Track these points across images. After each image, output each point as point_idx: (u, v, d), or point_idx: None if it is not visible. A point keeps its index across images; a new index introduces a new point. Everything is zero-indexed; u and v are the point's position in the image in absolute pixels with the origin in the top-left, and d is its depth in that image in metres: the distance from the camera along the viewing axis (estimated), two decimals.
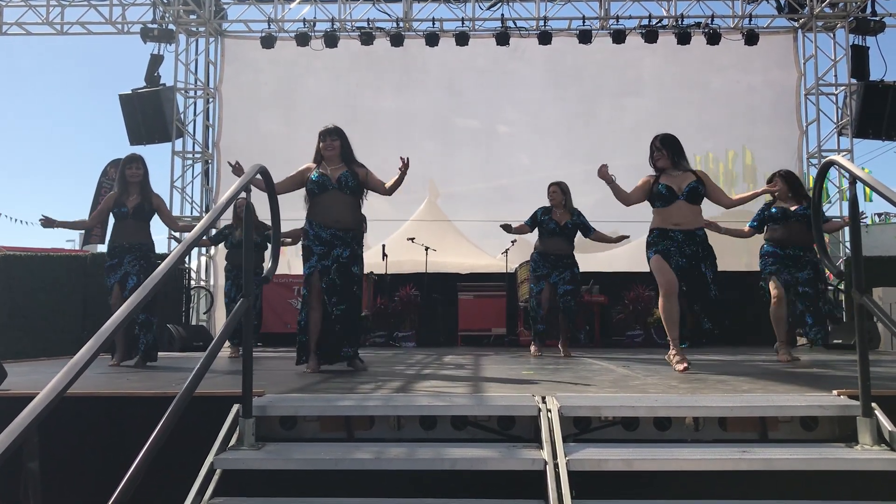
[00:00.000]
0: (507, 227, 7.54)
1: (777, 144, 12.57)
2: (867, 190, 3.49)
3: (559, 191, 7.45)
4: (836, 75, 12.52)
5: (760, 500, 2.79)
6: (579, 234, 7.51)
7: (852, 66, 12.04)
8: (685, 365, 5.22)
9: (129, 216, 6.50)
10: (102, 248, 14.06)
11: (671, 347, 5.42)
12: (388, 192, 5.60)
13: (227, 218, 7.83)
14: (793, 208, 6.53)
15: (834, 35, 12.48)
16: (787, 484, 2.93)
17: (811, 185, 12.32)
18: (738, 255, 12.67)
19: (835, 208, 12.41)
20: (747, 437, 3.33)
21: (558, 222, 7.41)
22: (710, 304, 5.41)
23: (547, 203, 7.54)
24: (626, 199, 5.76)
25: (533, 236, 7.74)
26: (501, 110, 13.30)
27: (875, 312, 3.08)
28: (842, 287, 11.70)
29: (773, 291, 6.46)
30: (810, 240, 6.45)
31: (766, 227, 6.69)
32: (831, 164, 3.66)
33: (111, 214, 6.57)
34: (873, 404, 3.13)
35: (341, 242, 5.39)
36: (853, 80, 12.10)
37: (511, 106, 13.18)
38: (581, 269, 7.65)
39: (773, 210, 6.59)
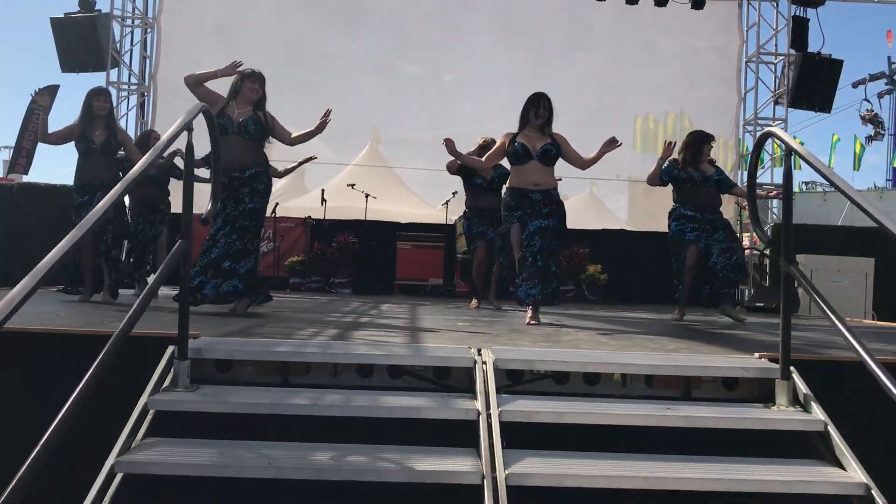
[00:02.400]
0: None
1: (715, 109, 12.80)
2: (797, 160, 3.63)
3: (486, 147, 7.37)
4: (776, 45, 12.76)
5: (682, 455, 2.92)
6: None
7: (792, 36, 12.27)
8: (536, 321, 5.54)
9: (98, 152, 6.33)
10: (27, 178, 13.60)
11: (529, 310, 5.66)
12: (292, 143, 5.62)
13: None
14: (709, 173, 6.66)
15: (777, 5, 12.68)
16: (707, 441, 3.07)
17: (745, 151, 12.67)
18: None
19: (765, 176, 12.77)
20: (672, 395, 3.47)
21: (485, 178, 7.42)
22: (549, 257, 5.61)
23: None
24: (482, 165, 6.14)
25: None
26: (448, 58, 13.16)
27: (801, 281, 3.21)
28: (767, 252, 12.14)
29: (688, 262, 6.57)
30: (719, 205, 6.68)
31: (677, 190, 6.74)
32: (769, 135, 3.77)
33: (76, 149, 6.38)
34: (791, 368, 3.29)
35: (238, 183, 5.36)
36: (792, 51, 12.36)
37: (458, 54, 13.05)
38: None
39: (691, 172, 6.62)
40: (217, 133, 3.65)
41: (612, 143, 5.54)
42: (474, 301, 7.83)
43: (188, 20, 12.44)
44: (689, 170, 6.60)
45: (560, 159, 5.75)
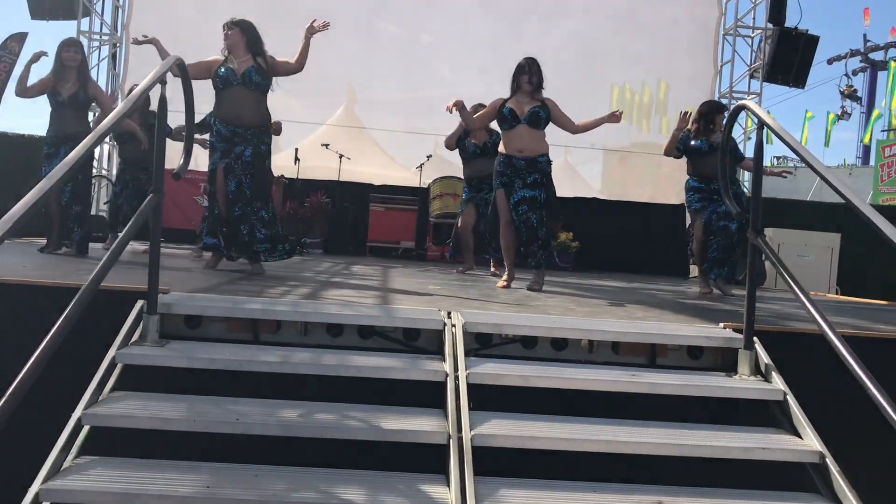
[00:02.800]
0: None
1: (692, 80, 12.82)
2: (769, 134, 3.68)
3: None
4: (754, 18, 12.78)
5: (644, 421, 2.98)
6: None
7: (770, 10, 12.30)
8: (506, 284, 5.66)
9: (66, 105, 6.25)
10: None
11: (507, 270, 5.78)
12: (299, 65, 5.52)
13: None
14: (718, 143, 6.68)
15: None
16: (670, 408, 3.14)
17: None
18: (642, 185, 13.07)
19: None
20: (637, 362, 3.53)
21: (477, 143, 7.39)
22: (538, 226, 5.65)
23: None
24: (473, 124, 6.15)
25: (453, 153, 7.72)
26: (426, 19, 13.00)
27: (766, 252, 3.27)
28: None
29: (696, 233, 6.70)
30: (733, 174, 6.71)
31: (688, 160, 6.77)
32: (742, 108, 3.80)
33: (48, 101, 6.30)
34: (755, 339, 3.36)
35: (241, 140, 5.33)
36: (769, 25, 12.39)
37: (436, 16, 12.90)
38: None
39: (698, 142, 6.63)
40: (191, 86, 3.59)
41: (612, 117, 5.57)
42: (462, 266, 7.68)
43: None
44: (699, 139, 6.63)
45: (552, 124, 5.73)
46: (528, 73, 5.65)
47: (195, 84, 3.70)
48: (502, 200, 5.69)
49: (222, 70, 5.31)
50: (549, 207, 5.75)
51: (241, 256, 5.53)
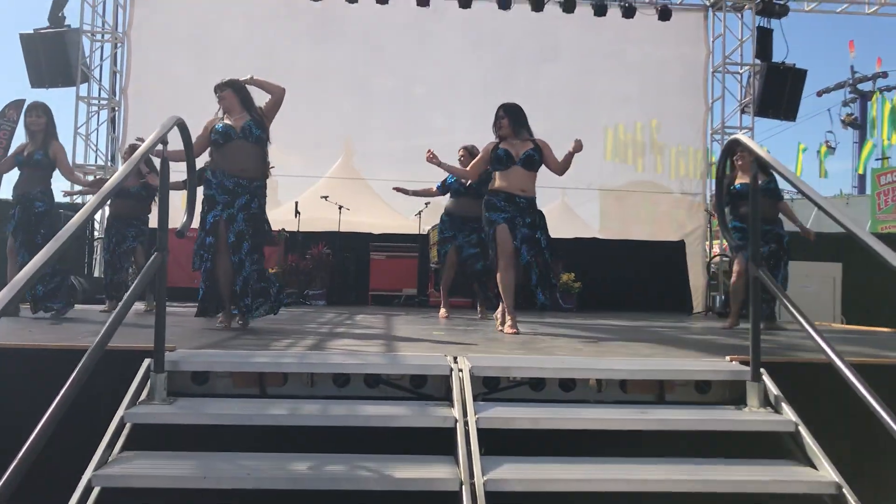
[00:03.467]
0: (401, 190, 7.89)
1: (684, 119, 12.98)
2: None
3: (468, 154, 7.37)
4: (741, 55, 12.98)
5: (656, 458, 2.97)
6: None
7: (757, 46, 12.53)
8: (516, 330, 5.47)
9: (23, 165, 6.38)
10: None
11: (507, 314, 5.58)
12: (277, 93, 5.55)
13: None
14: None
15: (742, 16, 12.91)
16: (681, 443, 3.12)
17: (713, 160, 12.84)
18: (640, 223, 13.12)
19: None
20: (646, 399, 3.52)
21: (463, 183, 7.44)
22: (546, 270, 5.62)
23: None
24: (469, 176, 6.20)
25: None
26: (419, 71, 13.19)
27: (768, 285, 3.28)
28: None
29: (735, 267, 6.86)
30: (775, 214, 6.79)
31: (730, 205, 6.79)
32: (735, 143, 3.84)
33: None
34: (762, 370, 3.36)
35: (245, 192, 5.36)
36: (757, 61, 12.59)
37: (429, 67, 13.09)
38: None
39: (737, 186, 6.73)
40: (192, 145, 3.65)
41: (576, 145, 5.58)
42: (443, 311, 7.65)
43: (158, 34, 12.35)
44: (738, 183, 6.76)
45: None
46: (496, 123, 5.74)
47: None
48: (505, 236, 5.49)
49: (220, 126, 5.37)
50: (552, 249, 5.75)
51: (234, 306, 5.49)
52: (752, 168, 3.47)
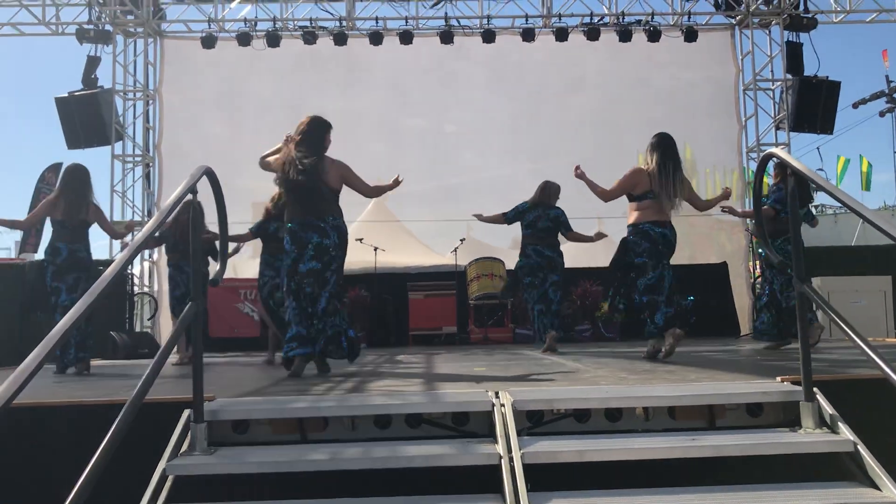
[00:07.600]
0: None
1: (717, 139, 12.85)
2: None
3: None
4: (772, 71, 12.86)
5: (710, 486, 2.85)
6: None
7: (787, 61, 12.40)
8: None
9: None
10: (39, 255, 13.73)
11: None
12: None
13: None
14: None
15: (769, 32, 12.80)
16: (735, 470, 3.01)
17: (750, 178, 12.67)
18: (680, 247, 12.94)
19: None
20: (696, 426, 3.41)
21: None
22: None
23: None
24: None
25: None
26: (447, 109, 13.30)
27: (816, 300, 3.17)
28: None
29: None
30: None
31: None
32: (770, 156, 3.76)
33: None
34: (815, 389, 3.23)
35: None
36: (789, 76, 12.44)
37: (457, 105, 13.19)
38: None
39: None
40: (222, 194, 3.66)
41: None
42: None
43: (189, 90, 12.66)
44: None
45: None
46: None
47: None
48: None
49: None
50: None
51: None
52: (789, 182, 3.39)
